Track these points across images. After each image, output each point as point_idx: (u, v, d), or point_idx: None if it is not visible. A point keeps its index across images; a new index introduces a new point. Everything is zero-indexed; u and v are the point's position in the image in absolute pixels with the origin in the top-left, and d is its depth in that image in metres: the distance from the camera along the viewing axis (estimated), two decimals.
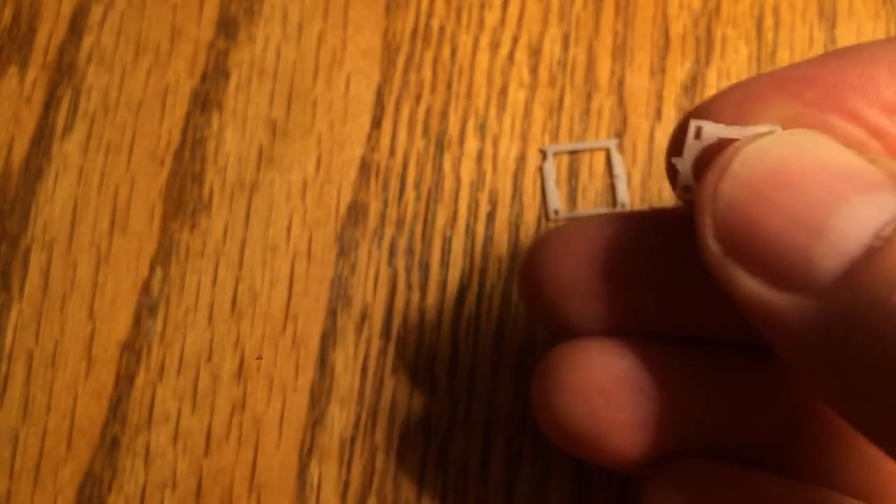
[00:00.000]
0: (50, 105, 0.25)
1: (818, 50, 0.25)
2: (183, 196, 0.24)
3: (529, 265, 0.19)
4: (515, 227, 0.24)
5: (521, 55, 0.25)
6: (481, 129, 0.25)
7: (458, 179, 0.24)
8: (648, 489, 0.18)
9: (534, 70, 0.25)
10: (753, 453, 0.18)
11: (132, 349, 0.23)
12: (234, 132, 0.25)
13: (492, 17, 0.26)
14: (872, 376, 0.12)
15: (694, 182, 0.15)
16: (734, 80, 0.25)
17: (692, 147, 0.15)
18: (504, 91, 0.25)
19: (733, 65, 0.25)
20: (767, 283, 0.13)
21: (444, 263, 0.24)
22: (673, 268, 0.17)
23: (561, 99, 0.25)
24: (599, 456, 0.18)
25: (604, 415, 0.17)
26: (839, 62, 0.15)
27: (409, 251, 0.24)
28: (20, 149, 0.24)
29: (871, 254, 0.12)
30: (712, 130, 0.15)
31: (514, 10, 0.26)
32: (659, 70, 0.25)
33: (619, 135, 0.25)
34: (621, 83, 0.25)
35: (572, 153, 0.25)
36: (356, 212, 0.24)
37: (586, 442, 0.18)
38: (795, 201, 0.12)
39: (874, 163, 0.13)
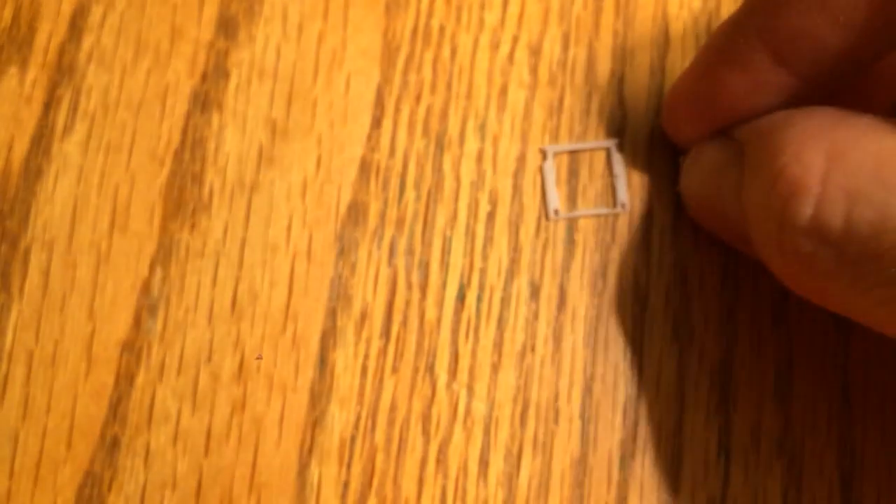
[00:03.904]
0: (50, 105, 0.25)
1: None
2: (183, 196, 0.24)
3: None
4: (515, 227, 0.24)
5: (521, 55, 0.25)
6: (481, 129, 0.25)
7: (457, 179, 0.24)
8: None
9: (534, 70, 0.25)
10: None
11: (132, 349, 0.23)
12: (234, 132, 0.25)
13: (492, 17, 0.26)
14: None
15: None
16: None
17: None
18: (504, 91, 0.25)
19: None
20: None
21: (444, 263, 0.24)
22: None
23: (561, 99, 0.25)
24: None
25: None
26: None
27: (409, 251, 0.24)
28: (20, 149, 0.24)
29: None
30: None
31: (514, 10, 0.26)
32: (659, 70, 0.25)
33: (619, 135, 0.25)
34: (621, 83, 0.25)
35: (572, 153, 0.25)
36: (356, 212, 0.24)
37: None
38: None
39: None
